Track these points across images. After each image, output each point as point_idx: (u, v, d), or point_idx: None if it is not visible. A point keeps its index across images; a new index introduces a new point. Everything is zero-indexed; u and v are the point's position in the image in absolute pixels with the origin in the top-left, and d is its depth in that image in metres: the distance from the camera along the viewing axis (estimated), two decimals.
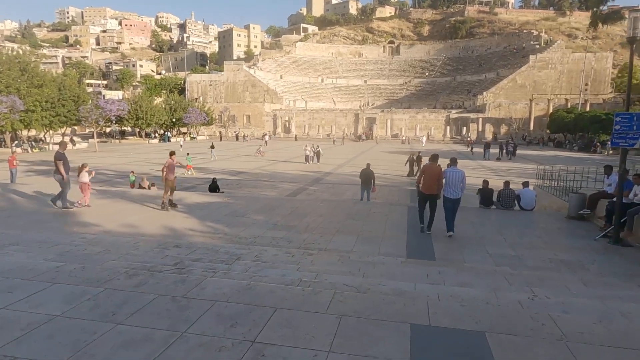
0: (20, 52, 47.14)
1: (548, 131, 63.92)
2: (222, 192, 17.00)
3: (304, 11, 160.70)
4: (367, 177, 14.76)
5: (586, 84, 71.75)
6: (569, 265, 6.84)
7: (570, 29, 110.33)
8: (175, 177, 11.38)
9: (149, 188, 17.12)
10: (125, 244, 6.44)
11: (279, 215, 10.22)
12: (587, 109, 61.83)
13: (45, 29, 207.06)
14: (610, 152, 46.06)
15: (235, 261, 5.04)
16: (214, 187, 16.78)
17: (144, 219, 9.65)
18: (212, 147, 35.33)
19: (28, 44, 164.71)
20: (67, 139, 49.42)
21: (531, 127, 68.35)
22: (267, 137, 55.91)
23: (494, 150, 39.26)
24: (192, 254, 5.56)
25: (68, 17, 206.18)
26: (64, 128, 46.77)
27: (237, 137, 69.56)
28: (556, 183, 14.08)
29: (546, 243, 8.22)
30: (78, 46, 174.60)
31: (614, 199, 9.03)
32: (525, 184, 11.62)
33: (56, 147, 41.95)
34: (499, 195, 11.31)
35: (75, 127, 63.22)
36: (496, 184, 21.07)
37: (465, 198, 12.53)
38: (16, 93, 36.45)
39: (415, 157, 23.35)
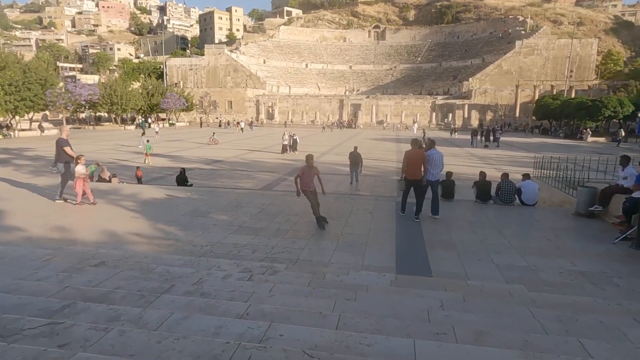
0: None
1: (534, 118, 63.41)
2: (191, 185, 15.47)
3: None
4: (355, 160, 16.33)
5: (571, 71, 71.34)
6: (593, 280, 5.59)
7: (555, 15, 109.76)
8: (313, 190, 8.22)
9: (110, 180, 15.43)
10: (32, 262, 4.93)
11: (247, 214, 8.77)
12: (573, 95, 61.41)
13: (18, 10, 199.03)
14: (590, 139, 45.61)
15: (161, 295, 3.61)
16: (181, 179, 15.18)
17: (84, 220, 8.10)
18: (143, 134, 32.12)
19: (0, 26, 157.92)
20: (36, 125, 46.78)
21: (517, 114, 67.80)
22: (242, 124, 52.72)
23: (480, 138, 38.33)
24: (109, 281, 4.10)
25: None
26: (31, 113, 43.98)
27: (220, 124, 67.06)
28: (555, 173, 12.91)
29: (558, 248, 6.97)
30: (52, 28, 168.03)
31: (633, 195, 7.85)
32: (526, 176, 10.37)
33: (25, 134, 39.11)
34: (498, 189, 10.05)
35: (47, 113, 60.18)
36: (478, 172, 20.00)
37: (459, 190, 11.28)
38: None
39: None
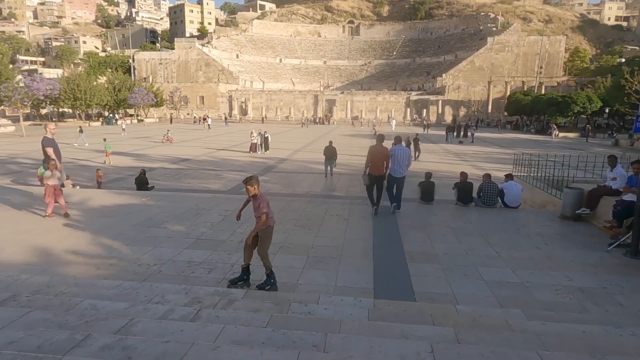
0: None
1: (506, 113, 64.29)
2: (152, 187, 14.33)
3: None
4: (330, 153, 17.10)
5: (541, 67, 72.67)
6: (594, 299, 4.98)
7: (525, 13, 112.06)
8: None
9: (62, 184, 14.07)
10: None
11: (207, 223, 7.83)
12: (542, 91, 62.53)
13: None
14: (558, 134, 46.36)
15: (64, 357, 2.70)
16: (141, 181, 13.99)
17: (12, 234, 6.97)
18: (81, 131, 30.02)
19: None
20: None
21: (489, 110, 68.61)
22: (209, 120, 49.77)
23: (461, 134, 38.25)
24: (3, 332, 3.15)
25: None
26: None
27: (194, 120, 64.27)
28: (535, 172, 12.48)
29: (550, 258, 6.36)
30: (12, 19, 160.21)
31: (623, 198, 7.35)
32: (509, 177, 9.80)
33: None
34: (480, 190, 9.44)
35: (5, 109, 56.89)
36: (456, 169, 19.56)
37: (438, 189, 10.59)
38: None
39: (413, 139, 23.20)
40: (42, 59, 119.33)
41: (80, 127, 32.79)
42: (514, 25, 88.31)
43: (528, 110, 55.79)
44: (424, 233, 7.46)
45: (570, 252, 6.70)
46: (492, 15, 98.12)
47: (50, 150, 8.95)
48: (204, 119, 50.66)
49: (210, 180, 16.26)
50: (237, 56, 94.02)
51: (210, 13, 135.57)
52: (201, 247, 6.48)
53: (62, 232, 7.18)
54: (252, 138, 25.11)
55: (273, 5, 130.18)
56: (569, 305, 4.82)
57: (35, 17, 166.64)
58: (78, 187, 14.34)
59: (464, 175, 9.66)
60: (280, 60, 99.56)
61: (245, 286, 5.05)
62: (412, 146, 23.15)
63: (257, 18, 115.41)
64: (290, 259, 6.03)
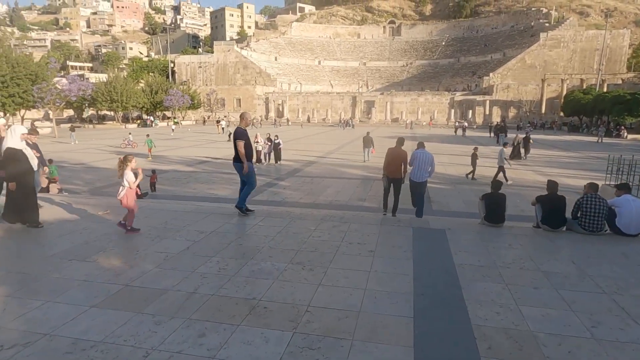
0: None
1: (562, 114, 58.59)
2: (146, 194, 12.08)
3: None
4: (367, 142, 20.26)
5: (602, 64, 66.08)
6: None
7: (581, 7, 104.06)
8: None
9: (47, 188, 12.03)
10: None
11: (161, 254, 5.21)
12: (605, 89, 56.41)
13: (36, 11, 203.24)
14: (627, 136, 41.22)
15: None
16: None
17: None
18: (72, 129, 30.52)
19: (16, 27, 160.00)
20: (26, 124, 44.32)
21: (542, 110, 62.93)
22: (223, 123, 42.30)
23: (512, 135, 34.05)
24: None
25: (59, 0, 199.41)
26: (23, 111, 41.44)
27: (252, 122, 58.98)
28: (636, 179, 9.09)
29: None
30: (68, 29, 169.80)
31: None
32: (624, 189, 6.48)
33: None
34: (578, 208, 6.27)
35: (50, 111, 58.21)
36: (515, 175, 16.17)
37: (511, 200, 7.53)
38: None
39: (523, 138, 22.38)
40: (90, 65, 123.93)
41: (71, 125, 33.67)
42: (569, 19, 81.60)
43: (588, 110, 50.19)
44: (501, 283, 4.47)
45: None
46: (545, 10, 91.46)
47: (240, 144, 7.15)
48: (218, 122, 43.97)
49: (220, 186, 13.89)
50: (276, 59, 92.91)
51: (250, 17, 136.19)
52: (120, 304, 3.86)
53: None
54: (256, 144, 19.09)
55: (313, 8, 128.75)
56: None
57: (88, 26, 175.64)
58: (66, 193, 12.34)
59: (552, 185, 6.49)
60: (319, 62, 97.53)
61: None
62: (520, 146, 21.59)
63: (297, 20, 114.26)
64: (259, 340, 3.26)
